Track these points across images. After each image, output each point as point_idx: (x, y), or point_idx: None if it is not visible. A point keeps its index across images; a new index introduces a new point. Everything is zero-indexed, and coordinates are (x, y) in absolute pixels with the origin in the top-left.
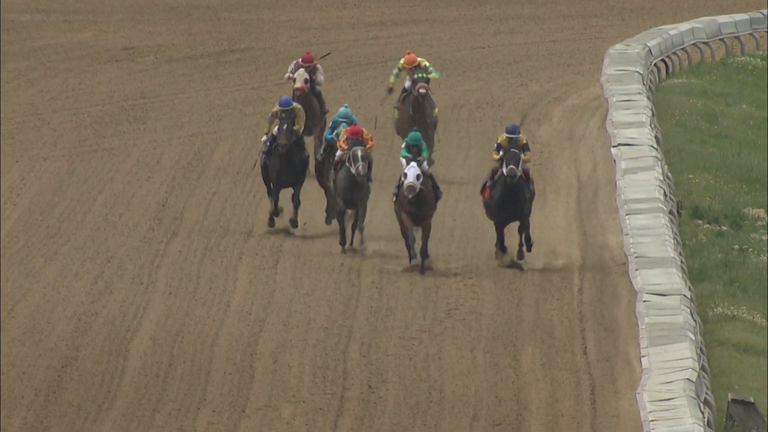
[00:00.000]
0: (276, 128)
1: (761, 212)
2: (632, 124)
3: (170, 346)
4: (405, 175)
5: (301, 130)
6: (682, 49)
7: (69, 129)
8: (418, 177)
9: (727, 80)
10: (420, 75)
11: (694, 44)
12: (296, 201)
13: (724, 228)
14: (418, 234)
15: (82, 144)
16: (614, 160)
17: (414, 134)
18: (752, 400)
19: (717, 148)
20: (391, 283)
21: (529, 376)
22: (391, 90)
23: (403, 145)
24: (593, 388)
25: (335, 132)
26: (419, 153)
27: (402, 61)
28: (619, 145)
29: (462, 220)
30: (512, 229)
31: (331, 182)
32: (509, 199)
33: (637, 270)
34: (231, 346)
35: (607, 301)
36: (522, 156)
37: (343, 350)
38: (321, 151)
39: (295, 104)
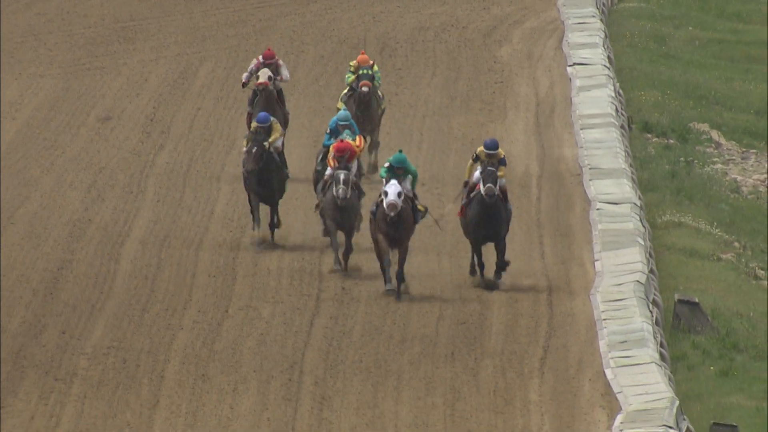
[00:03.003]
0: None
1: (706, 126)
2: (586, 45)
3: (158, 250)
4: (385, 192)
5: (279, 142)
6: None
7: (64, 49)
8: (399, 194)
9: (675, 4)
10: (365, 71)
11: None
12: (273, 223)
13: (672, 141)
14: (393, 258)
15: (76, 63)
16: (569, 79)
17: (398, 156)
18: (697, 301)
19: (665, 67)
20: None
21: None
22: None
23: (386, 165)
24: (550, 289)
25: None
26: (404, 174)
27: (353, 64)
28: (575, 64)
29: (429, 135)
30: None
31: (320, 200)
32: (486, 219)
33: (590, 180)
34: (214, 250)
35: (562, 209)
36: (498, 173)
37: (318, 255)
38: (318, 160)
39: (272, 119)
